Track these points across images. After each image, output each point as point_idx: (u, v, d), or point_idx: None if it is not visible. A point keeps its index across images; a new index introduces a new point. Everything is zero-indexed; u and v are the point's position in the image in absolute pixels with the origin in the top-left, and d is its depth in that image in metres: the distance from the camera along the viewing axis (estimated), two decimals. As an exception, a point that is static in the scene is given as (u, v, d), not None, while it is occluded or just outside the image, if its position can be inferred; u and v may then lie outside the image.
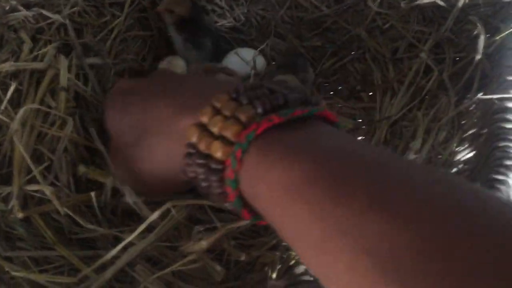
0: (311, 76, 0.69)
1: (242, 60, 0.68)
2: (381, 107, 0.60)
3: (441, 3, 0.62)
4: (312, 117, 0.31)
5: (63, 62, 0.50)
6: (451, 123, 0.50)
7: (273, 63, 0.72)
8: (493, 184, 0.39)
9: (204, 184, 0.32)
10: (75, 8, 0.59)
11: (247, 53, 0.69)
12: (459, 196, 0.22)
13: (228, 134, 0.29)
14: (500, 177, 0.40)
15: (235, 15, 0.77)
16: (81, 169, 0.43)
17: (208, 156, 0.30)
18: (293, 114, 0.29)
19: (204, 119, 0.31)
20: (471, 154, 0.48)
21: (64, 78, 0.49)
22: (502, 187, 0.39)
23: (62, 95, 0.48)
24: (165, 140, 0.37)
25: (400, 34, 0.65)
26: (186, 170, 0.33)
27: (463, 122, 0.52)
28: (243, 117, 0.29)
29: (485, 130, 0.47)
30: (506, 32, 0.55)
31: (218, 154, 0.29)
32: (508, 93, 0.48)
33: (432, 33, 0.63)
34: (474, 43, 0.57)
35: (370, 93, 0.65)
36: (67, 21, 0.56)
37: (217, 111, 0.31)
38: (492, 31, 0.58)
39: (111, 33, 0.64)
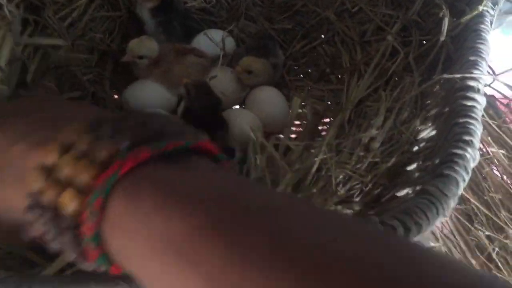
0: (281, 59, 0.69)
1: (212, 41, 0.68)
2: (348, 89, 0.60)
3: (409, -13, 0.63)
4: (189, 152, 0.25)
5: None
6: (415, 102, 0.51)
7: (243, 45, 0.71)
8: (452, 158, 0.40)
9: (54, 246, 0.24)
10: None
11: (217, 34, 0.69)
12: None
13: (82, 179, 0.23)
14: (459, 151, 0.40)
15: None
16: None
17: (57, 210, 0.23)
18: (166, 147, 0.24)
19: (49, 160, 0.24)
20: (433, 133, 0.48)
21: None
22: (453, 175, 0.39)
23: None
24: (7, 185, 0.27)
25: (368, 17, 0.65)
26: (28, 228, 0.24)
27: (428, 102, 0.53)
28: (101, 155, 0.23)
29: (447, 109, 0.47)
30: (471, 15, 0.56)
31: (70, 209, 0.23)
32: (470, 72, 0.48)
33: (399, 16, 0.63)
34: (440, 26, 0.57)
35: (339, 76, 0.65)
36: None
37: (66, 149, 0.24)
38: (458, 14, 0.58)
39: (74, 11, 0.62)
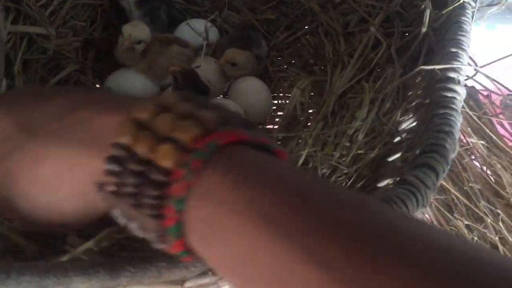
0: (265, 50, 0.69)
1: (195, 31, 0.67)
2: (331, 80, 0.60)
3: (392, -22, 0.63)
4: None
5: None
6: (396, 94, 0.51)
7: (226, 35, 0.71)
8: (432, 148, 0.40)
9: (131, 201, 0.23)
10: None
11: (200, 24, 0.69)
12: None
13: (183, 137, 0.23)
14: (439, 142, 0.41)
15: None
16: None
17: (148, 163, 0.23)
18: (261, 139, 0.24)
19: (143, 115, 0.24)
20: (414, 124, 0.49)
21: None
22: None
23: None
24: (68, 148, 0.27)
25: (352, 8, 0.66)
26: (103, 183, 0.24)
27: (409, 93, 0.53)
28: (207, 119, 0.23)
29: (428, 100, 0.48)
30: (452, 6, 0.56)
31: (166, 162, 0.22)
32: (451, 63, 0.49)
33: (382, 7, 0.64)
34: (422, 17, 0.58)
35: (322, 67, 0.65)
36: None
37: (164, 108, 0.24)
38: (440, 6, 0.59)
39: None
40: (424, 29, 0.54)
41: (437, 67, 0.49)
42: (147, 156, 0.23)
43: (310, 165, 0.42)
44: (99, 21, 0.69)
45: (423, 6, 0.58)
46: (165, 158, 0.22)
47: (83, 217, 0.28)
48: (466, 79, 0.48)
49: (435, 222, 0.61)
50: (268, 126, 0.64)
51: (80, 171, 0.26)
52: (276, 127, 0.61)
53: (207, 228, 0.22)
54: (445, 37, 0.55)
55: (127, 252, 0.29)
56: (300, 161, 0.44)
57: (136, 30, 0.61)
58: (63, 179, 0.27)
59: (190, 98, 0.25)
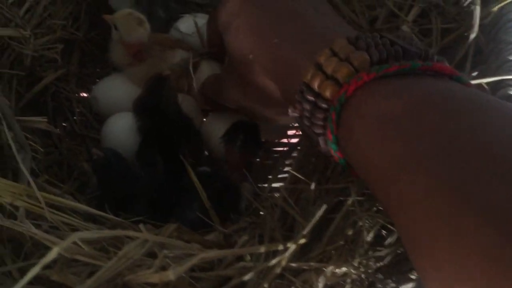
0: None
1: (197, 29, 0.57)
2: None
3: (429, -36, 0.52)
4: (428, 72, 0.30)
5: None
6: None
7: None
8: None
9: (307, 122, 0.33)
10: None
11: (202, 19, 0.59)
12: None
13: (339, 76, 0.30)
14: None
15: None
16: None
17: (318, 95, 0.31)
18: (402, 66, 0.29)
19: (321, 60, 0.32)
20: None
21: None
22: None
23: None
24: (288, 70, 0.36)
25: (379, 0, 0.55)
26: (295, 106, 0.34)
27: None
28: (355, 62, 0.30)
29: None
30: (505, 2, 0.46)
31: (327, 93, 0.30)
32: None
33: (416, -1, 0.53)
34: (466, 12, 0.48)
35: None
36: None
37: (334, 54, 0.32)
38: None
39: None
40: (473, 35, 0.44)
41: (491, 79, 0.40)
42: (317, 89, 0.31)
43: (350, 221, 0.34)
44: (83, 18, 0.59)
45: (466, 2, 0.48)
46: (326, 90, 0.30)
47: (271, 112, 0.43)
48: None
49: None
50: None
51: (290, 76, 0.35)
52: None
53: (353, 135, 0.29)
54: (496, 37, 0.46)
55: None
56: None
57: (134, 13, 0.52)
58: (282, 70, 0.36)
59: (359, 37, 0.32)
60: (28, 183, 0.37)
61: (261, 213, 0.41)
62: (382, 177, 0.27)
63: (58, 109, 0.54)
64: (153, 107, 0.48)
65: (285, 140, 0.58)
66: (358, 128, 0.29)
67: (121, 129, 0.51)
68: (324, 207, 0.33)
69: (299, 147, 0.55)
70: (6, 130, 0.40)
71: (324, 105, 0.31)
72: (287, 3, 0.40)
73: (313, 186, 0.37)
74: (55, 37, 0.52)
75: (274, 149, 0.57)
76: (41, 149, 0.43)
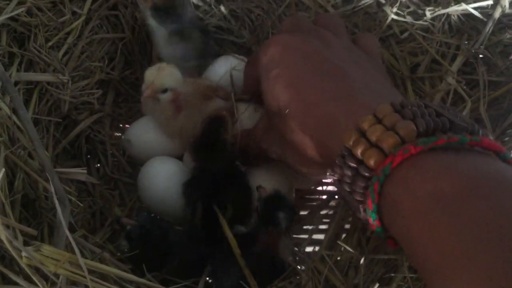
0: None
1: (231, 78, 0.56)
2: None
3: (475, 13, 0.51)
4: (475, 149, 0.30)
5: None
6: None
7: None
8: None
9: (347, 188, 0.32)
10: (23, 6, 0.47)
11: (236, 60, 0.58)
12: None
13: (384, 145, 0.29)
14: None
15: (223, 12, 0.64)
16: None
17: (360, 162, 0.31)
18: (449, 140, 0.29)
19: (364, 126, 0.31)
20: None
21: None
22: None
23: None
24: (328, 131, 0.35)
25: (421, 46, 0.54)
26: (334, 169, 0.33)
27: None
28: (401, 131, 0.29)
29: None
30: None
31: (371, 162, 0.30)
32: None
33: (460, 47, 0.52)
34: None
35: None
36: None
37: (378, 121, 0.31)
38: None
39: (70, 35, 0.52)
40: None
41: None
42: (360, 156, 0.30)
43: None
44: (119, 58, 0.58)
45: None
46: (370, 159, 0.30)
47: (311, 169, 0.40)
48: None
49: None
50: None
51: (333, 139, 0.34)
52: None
53: (398, 210, 0.28)
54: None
55: None
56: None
57: (161, 76, 0.49)
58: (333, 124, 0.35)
59: (404, 106, 0.31)
60: (69, 246, 0.36)
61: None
62: (427, 259, 0.27)
63: (91, 152, 0.54)
64: (209, 149, 0.47)
65: (320, 188, 0.56)
66: (405, 203, 0.28)
67: (159, 174, 0.50)
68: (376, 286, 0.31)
69: (336, 196, 0.54)
70: (45, 183, 0.39)
71: (366, 174, 0.30)
72: (332, 59, 0.39)
73: (362, 260, 0.35)
74: (93, 81, 0.52)
75: (309, 196, 0.55)
76: (80, 204, 0.42)
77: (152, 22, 0.56)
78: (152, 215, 0.52)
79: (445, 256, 0.25)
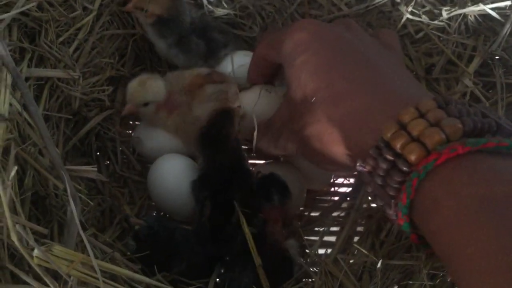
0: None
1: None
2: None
3: (493, 14, 0.50)
4: None
5: (4, 81, 0.37)
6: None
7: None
8: None
9: (379, 181, 0.31)
10: (34, 0, 0.46)
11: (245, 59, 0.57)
12: None
13: (427, 141, 0.28)
14: None
15: (235, 7, 0.63)
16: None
17: (399, 155, 0.29)
18: (499, 144, 0.28)
19: (405, 119, 0.30)
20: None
21: (4, 103, 0.37)
22: None
23: (1, 127, 0.35)
24: (360, 122, 0.34)
25: (437, 47, 0.53)
26: (367, 161, 0.32)
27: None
28: (447, 129, 0.28)
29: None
30: None
31: (411, 157, 0.28)
32: None
33: (477, 48, 0.51)
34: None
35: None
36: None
37: (420, 115, 0.30)
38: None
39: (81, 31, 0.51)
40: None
41: None
42: (399, 150, 0.29)
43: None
44: (130, 54, 0.58)
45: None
46: (411, 154, 0.28)
47: (337, 164, 0.37)
48: None
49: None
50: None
51: (364, 131, 0.33)
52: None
53: (429, 209, 0.28)
54: None
55: None
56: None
57: (141, 91, 0.49)
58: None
59: (449, 102, 0.30)
60: (80, 245, 0.35)
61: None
62: (467, 259, 0.26)
63: (101, 149, 0.53)
64: (216, 141, 0.46)
65: (332, 189, 0.55)
66: (447, 203, 0.27)
67: (169, 172, 0.50)
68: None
69: (348, 198, 0.53)
70: (56, 181, 0.39)
71: (405, 168, 0.29)
72: (361, 49, 0.38)
73: (379, 264, 0.34)
74: (104, 77, 0.51)
75: (321, 197, 0.55)
76: (91, 202, 0.41)
77: (152, 36, 0.56)
78: (162, 213, 0.51)
79: (489, 257, 0.24)
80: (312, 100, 0.36)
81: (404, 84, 0.35)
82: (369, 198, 0.46)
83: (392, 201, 0.30)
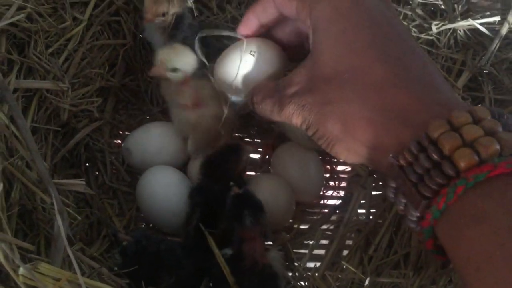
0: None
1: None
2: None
3: (482, 29, 0.51)
4: None
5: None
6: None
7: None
8: None
9: (413, 178, 0.29)
10: (23, 11, 0.46)
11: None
12: None
13: (482, 150, 0.27)
14: None
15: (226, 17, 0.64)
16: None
17: (446, 158, 0.28)
18: None
19: (458, 122, 0.28)
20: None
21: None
22: None
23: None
24: (400, 114, 0.31)
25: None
26: (403, 154, 0.29)
27: None
28: (503, 142, 0.27)
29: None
30: None
31: (461, 163, 0.27)
32: None
33: (467, 63, 0.51)
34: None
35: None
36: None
37: (474, 120, 0.28)
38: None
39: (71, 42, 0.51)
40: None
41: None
42: (447, 152, 0.27)
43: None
44: (120, 65, 0.58)
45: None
46: (462, 159, 0.27)
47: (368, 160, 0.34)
48: None
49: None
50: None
51: (398, 125, 0.31)
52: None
53: (468, 222, 0.26)
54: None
55: None
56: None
57: (171, 54, 0.49)
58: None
59: (501, 115, 0.29)
60: (67, 260, 0.35)
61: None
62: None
63: (90, 160, 0.53)
64: (216, 171, 0.47)
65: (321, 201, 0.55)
66: (500, 219, 0.25)
67: (158, 183, 0.50)
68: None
69: (337, 211, 0.53)
70: (43, 195, 0.38)
71: (451, 172, 0.27)
72: (405, 36, 0.34)
73: (367, 282, 0.34)
74: (94, 88, 0.51)
75: (310, 210, 0.55)
76: (78, 217, 0.41)
77: (157, 40, 0.55)
78: (150, 225, 0.51)
79: None
80: (345, 76, 0.33)
81: (445, 83, 0.33)
82: (358, 209, 0.46)
83: (423, 201, 0.28)
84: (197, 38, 0.45)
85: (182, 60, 0.49)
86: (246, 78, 0.39)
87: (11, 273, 0.29)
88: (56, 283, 0.30)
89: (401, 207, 0.30)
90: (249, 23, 0.41)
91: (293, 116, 0.36)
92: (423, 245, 0.31)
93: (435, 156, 0.28)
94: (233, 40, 0.42)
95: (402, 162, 0.29)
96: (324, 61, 0.34)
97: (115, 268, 0.42)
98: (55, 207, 0.33)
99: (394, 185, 0.30)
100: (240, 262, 0.40)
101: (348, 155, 0.34)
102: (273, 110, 0.38)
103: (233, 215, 0.42)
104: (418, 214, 0.29)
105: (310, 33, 0.35)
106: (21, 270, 0.29)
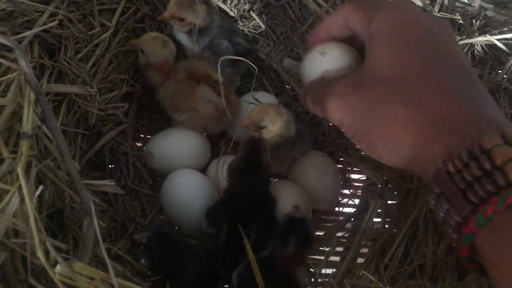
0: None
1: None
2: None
3: (500, 45, 0.52)
4: None
5: (27, 98, 0.38)
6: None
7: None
8: None
9: (460, 183, 0.30)
10: (55, 18, 0.47)
11: (264, 97, 0.59)
12: None
13: None
14: None
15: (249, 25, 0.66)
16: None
17: (499, 169, 0.28)
18: None
19: (510, 136, 0.29)
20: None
21: (28, 121, 0.38)
22: None
23: (24, 144, 0.37)
24: (452, 124, 0.32)
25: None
26: (447, 161, 0.30)
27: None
28: None
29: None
30: None
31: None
32: None
33: (483, 77, 0.53)
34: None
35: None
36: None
37: None
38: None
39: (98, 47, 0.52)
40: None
41: None
42: (499, 163, 0.28)
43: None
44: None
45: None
46: None
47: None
48: None
49: None
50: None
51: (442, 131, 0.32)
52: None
53: (509, 233, 0.28)
54: None
55: None
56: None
57: (261, 113, 0.51)
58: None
59: None
60: (94, 259, 0.37)
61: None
62: None
63: (114, 162, 0.54)
64: (251, 172, 0.48)
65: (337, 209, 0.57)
66: None
67: (182, 187, 0.51)
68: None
69: (352, 219, 0.55)
70: (75, 196, 0.40)
71: (502, 182, 0.28)
72: (458, 56, 0.37)
73: (385, 290, 0.36)
74: (120, 94, 0.52)
75: (326, 217, 0.56)
76: (102, 223, 0.42)
77: (186, 42, 0.58)
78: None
79: None
80: (401, 82, 0.35)
81: (493, 102, 0.35)
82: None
83: (469, 207, 0.29)
84: (219, 62, 0.51)
85: (272, 119, 0.51)
86: (316, 75, 0.42)
87: (49, 271, 0.31)
88: (91, 282, 0.32)
89: (441, 213, 0.31)
90: (320, 34, 0.43)
91: (334, 113, 0.38)
92: (458, 252, 0.32)
93: (487, 165, 0.29)
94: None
95: (451, 168, 0.30)
96: (380, 66, 0.36)
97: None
98: (92, 209, 0.35)
99: (437, 191, 0.31)
100: (272, 268, 0.42)
101: (391, 157, 0.36)
102: (315, 105, 0.40)
103: (279, 236, 0.44)
104: (460, 220, 0.30)
105: (367, 41, 0.38)
106: (58, 268, 0.31)
